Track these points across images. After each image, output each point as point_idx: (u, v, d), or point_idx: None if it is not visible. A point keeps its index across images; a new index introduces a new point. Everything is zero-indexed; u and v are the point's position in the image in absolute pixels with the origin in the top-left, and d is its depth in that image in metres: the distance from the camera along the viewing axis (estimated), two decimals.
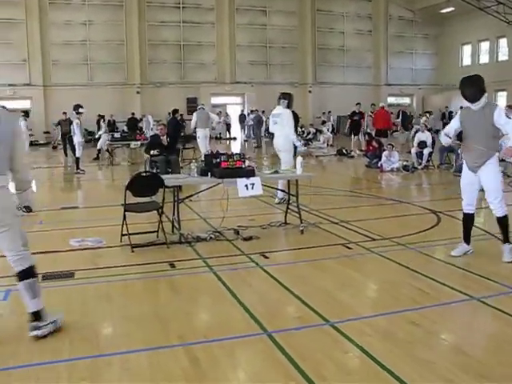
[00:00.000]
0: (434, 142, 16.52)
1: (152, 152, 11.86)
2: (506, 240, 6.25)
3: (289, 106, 10.12)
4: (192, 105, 30.68)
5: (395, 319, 4.64)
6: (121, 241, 7.21)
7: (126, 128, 25.63)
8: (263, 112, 31.33)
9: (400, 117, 28.41)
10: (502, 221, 6.23)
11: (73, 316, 4.73)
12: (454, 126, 6.41)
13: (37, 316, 4.27)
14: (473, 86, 6.04)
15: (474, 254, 6.45)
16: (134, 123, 27.53)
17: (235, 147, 28.00)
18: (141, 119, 30.67)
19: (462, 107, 6.73)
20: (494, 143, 6.15)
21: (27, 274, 4.23)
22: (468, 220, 6.46)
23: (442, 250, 7.02)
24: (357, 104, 22.44)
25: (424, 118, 26.05)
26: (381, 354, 3.94)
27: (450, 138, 6.45)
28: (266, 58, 36.82)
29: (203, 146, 17.53)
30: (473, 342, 4.21)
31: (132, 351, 4.02)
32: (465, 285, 5.42)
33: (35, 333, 4.23)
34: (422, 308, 4.87)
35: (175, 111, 18.45)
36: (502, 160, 10.19)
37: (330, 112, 33.80)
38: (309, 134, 28.26)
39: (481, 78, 6.16)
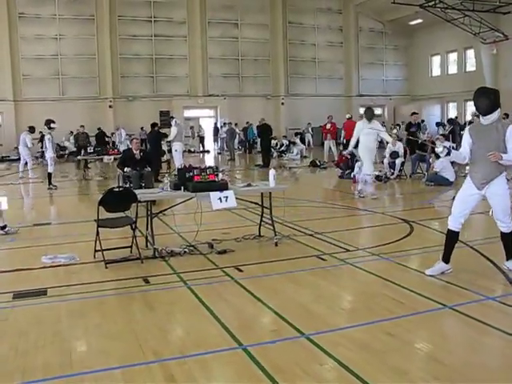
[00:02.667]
0: (405, 152, 16.74)
1: (126, 170, 11.76)
2: (510, 256, 6.06)
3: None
4: (165, 118, 30.59)
5: (370, 330, 4.67)
6: (94, 257, 7.15)
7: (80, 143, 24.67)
8: (236, 124, 31.43)
9: None
10: (509, 237, 6.00)
11: (45, 335, 4.67)
12: (465, 143, 5.98)
13: None
14: (487, 98, 5.72)
15: None
16: (102, 137, 27.11)
17: (209, 160, 27.97)
18: (113, 133, 30.57)
19: (470, 121, 6.64)
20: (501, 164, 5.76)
21: None
22: (453, 238, 6.07)
23: (415, 259, 7.11)
24: (328, 117, 22.73)
25: (395, 131, 26.43)
26: (356, 364, 3.96)
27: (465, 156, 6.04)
28: (239, 70, 36.93)
29: (179, 159, 17.52)
30: (446, 350, 4.25)
31: (106, 369, 3.98)
32: (438, 293, 5.48)
33: None
34: (396, 318, 4.91)
35: (154, 124, 18.40)
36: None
37: (309, 123, 33.90)
38: (282, 145, 28.39)
39: (496, 92, 5.87)
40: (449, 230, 6.07)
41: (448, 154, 6.09)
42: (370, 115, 12.04)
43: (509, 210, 5.93)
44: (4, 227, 9.03)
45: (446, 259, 6.07)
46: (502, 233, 6.03)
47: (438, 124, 30.38)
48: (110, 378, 3.87)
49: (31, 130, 19.25)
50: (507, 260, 6.11)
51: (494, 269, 6.30)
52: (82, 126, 25.89)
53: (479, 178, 5.85)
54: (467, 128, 6.13)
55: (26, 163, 19.29)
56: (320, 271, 6.52)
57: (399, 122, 35.61)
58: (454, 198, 6.26)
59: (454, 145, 14.79)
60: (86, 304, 5.52)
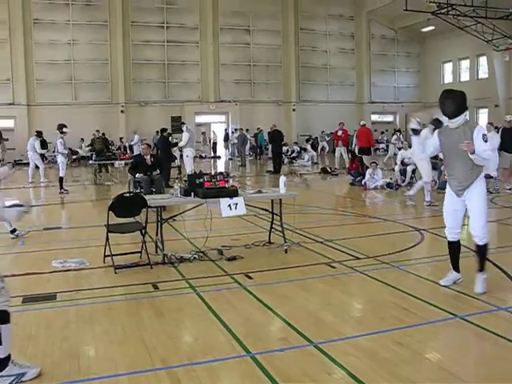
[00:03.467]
0: None
1: (137, 175, 11.81)
2: (481, 268, 5.79)
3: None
4: (176, 123, 30.69)
5: (380, 339, 4.63)
6: (104, 262, 7.16)
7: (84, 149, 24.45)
8: (247, 130, 31.46)
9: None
10: (482, 249, 5.76)
11: (54, 339, 4.68)
12: (431, 143, 5.87)
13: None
14: (454, 101, 5.58)
15: None
16: (104, 143, 25.68)
17: (219, 166, 27.99)
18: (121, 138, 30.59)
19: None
20: (475, 166, 5.58)
21: None
22: (454, 248, 5.94)
23: (425, 268, 7.04)
24: (340, 123, 22.67)
25: (395, 137, 26.33)
26: (364, 374, 3.93)
27: (423, 152, 5.98)
28: (250, 76, 37.01)
29: (190, 164, 17.58)
30: (456, 361, 4.20)
31: (113, 375, 3.98)
32: (448, 303, 5.44)
33: None
34: (406, 327, 4.87)
35: (164, 130, 18.45)
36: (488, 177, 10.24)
37: (323, 131, 33.69)
38: (293, 152, 28.39)
39: (463, 94, 5.71)
40: (448, 241, 5.97)
41: (416, 132, 5.87)
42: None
43: (484, 218, 5.66)
44: (14, 231, 9.08)
45: (456, 268, 5.99)
46: (475, 245, 5.80)
47: None
48: None
49: (39, 134, 19.34)
50: (478, 272, 5.81)
51: (506, 278, 6.25)
52: (98, 131, 25.95)
53: (456, 184, 5.71)
54: (437, 131, 5.89)
55: (37, 167, 19.35)
56: (329, 279, 6.49)
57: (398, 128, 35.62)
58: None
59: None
60: (95, 309, 5.53)
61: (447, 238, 5.96)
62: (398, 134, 28.69)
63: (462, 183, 5.65)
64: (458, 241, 5.91)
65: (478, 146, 5.42)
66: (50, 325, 5.08)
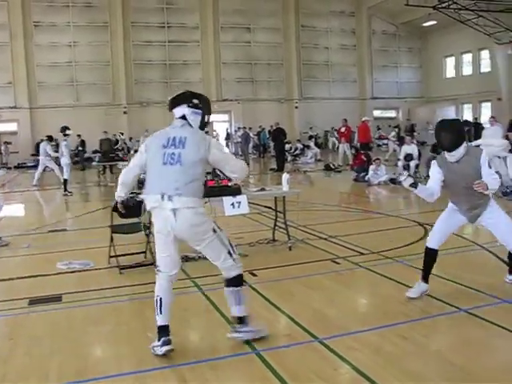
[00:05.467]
0: (420, 154, 16.66)
1: (140, 176, 11.78)
2: None
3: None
4: None
5: (384, 333, 4.64)
6: (109, 263, 7.18)
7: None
8: (250, 129, 31.45)
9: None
10: None
11: (60, 340, 4.71)
12: (435, 178, 5.37)
13: (239, 320, 4.48)
14: (450, 132, 5.08)
15: (461, 265, 6.47)
16: (108, 145, 24.92)
17: None
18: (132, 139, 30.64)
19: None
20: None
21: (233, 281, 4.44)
22: (433, 256, 5.50)
23: None
24: (342, 120, 22.70)
25: (393, 133, 26.30)
26: (370, 369, 3.94)
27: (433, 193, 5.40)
28: (252, 74, 37.01)
29: None
30: (461, 353, 4.21)
31: (119, 374, 4.01)
32: (453, 297, 5.43)
33: (233, 335, 4.47)
34: (411, 321, 4.88)
35: None
36: None
37: (332, 128, 33.37)
38: (296, 149, 28.38)
39: (460, 123, 5.39)
40: (427, 247, 5.52)
41: (415, 185, 5.33)
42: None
43: None
44: None
45: (426, 279, 5.54)
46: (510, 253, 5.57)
47: None
48: None
49: (50, 138, 19.37)
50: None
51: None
52: (105, 132, 25.85)
53: (466, 213, 5.34)
54: (435, 162, 5.41)
55: (45, 169, 19.37)
56: (334, 275, 6.51)
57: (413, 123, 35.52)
58: None
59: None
60: (101, 310, 5.55)
61: (429, 244, 5.51)
62: (397, 130, 28.60)
63: (472, 212, 5.29)
64: (437, 251, 5.49)
65: (486, 174, 5.04)
66: (56, 326, 5.11)
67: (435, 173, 5.37)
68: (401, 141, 21.08)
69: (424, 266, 5.55)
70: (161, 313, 4.32)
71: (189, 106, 4.33)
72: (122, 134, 31.00)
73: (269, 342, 4.51)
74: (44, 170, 19.18)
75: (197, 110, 4.35)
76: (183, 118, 4.35)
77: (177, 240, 4.32)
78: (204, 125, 4.44)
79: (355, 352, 4.26)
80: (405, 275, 6.26)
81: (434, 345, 4.44)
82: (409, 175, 5.59)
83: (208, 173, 7.65)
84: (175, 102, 4.41)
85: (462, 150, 5.07)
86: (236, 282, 4.44)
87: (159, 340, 4.25)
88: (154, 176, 4.27)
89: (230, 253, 4.41)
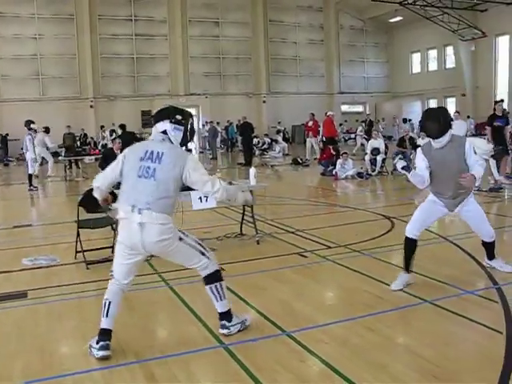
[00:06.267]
0: (387, 149, 16.85)
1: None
2: (493, 256, 5.99)
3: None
4: (146, 118, 30.47)
5: (351, 326, 4.69)
6: (75, 258, 7.11)
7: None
8: (218, 123, 31.38)
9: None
10: (493, 243, 5.88)
11: (25, 338, 4.64)
12: (423, 166, 5.47)
13: (225, 316, 4.51)
14: (436, 121, 5.27)
15: (426, 258, 6.55)
16: (72, 140, 24.52)
17: None
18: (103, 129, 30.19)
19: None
20: None
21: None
22: (412, 246, 5.61)
23: (396, 255, 7.10)
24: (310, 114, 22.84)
25: (360, 128, 26.57)
26: (337, 360, 3.99)
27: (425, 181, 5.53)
28: (220, 69, 36.90)
29: None
30: (425, 344, 4.27)
31: (86, 371, 3.96)
32: (418, 289, 5.51)
33: (223, 331, 4.49)
34: (377, 313, 4.94)
35: (123, 126, 18.35)
36: None
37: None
38: (264, 144, 28.41)
39: (446, 113, 5.48)
40: (407, 237, 5.62)
41: (407, 169, 5.48)
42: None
43: (487, 222, 5.76)
44: None
45: (408, 268, 5.67)
46: (484, 242, 5.89)
47: (404, 121, 30.89)
48: (90, 380, 3.85)
49: (47, 130, 19.44)
50: (490, 259, 6.06)
51: (474, 263, 6.36)
52: (69, 127, 25.52)
53: (447, 201, 5.52)
54: (420, 150, 5.58)
55: (41, 164, 19.23)
56: (302, 268, 6.55)
57: (380, 118, 35.90)
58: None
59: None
60: (67, 306, 5.49)
61: (408, 234, 5.61)
62: (364, 124, 28.85)
63: (454, 199, 5.47)
64: (416, 240, 5.61)
65: (473, 160, 5.29)
66: (21, 323, 5.03)
67: (420, 160, 5.52)
68: (369, 135, 21.30)
69: (404, 256, 5.67)
70: (107, 316, 4.24)
71: (171, 122, 4.27)
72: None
73: (236, 335, 4.52)
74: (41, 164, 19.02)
75: (179, 126, 4.29)
76: (164, 132, 4.28)
77: (141, 254, 4.27)
78: (186, 141, 4.38)
79: (322, 344, 4.30)
80: (371, 268, 6.33)
81: (400, 336, 4.51)
82: (404, 160, 5.63)
83: None
84: (158, 117, 4.35)
85: (447, 137, 5.29)
86: (214, 277, 4.46)
87: (98, 343, 4.16)
88: (127, 187, 4.21)
89: (202, 253, 4.42)
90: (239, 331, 4.52)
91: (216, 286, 4.46)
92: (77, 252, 7.07)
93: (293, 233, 8.45)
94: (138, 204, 4.07)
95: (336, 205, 11.46)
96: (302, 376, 3.83)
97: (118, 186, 4.43)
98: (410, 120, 31.27)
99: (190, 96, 35.50)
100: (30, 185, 15.71)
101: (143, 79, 34.86)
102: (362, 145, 24.57)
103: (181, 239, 4.29)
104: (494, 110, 12.76)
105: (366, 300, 5.33)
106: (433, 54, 38.70)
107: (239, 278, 6.23)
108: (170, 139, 4.28)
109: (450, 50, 36.37)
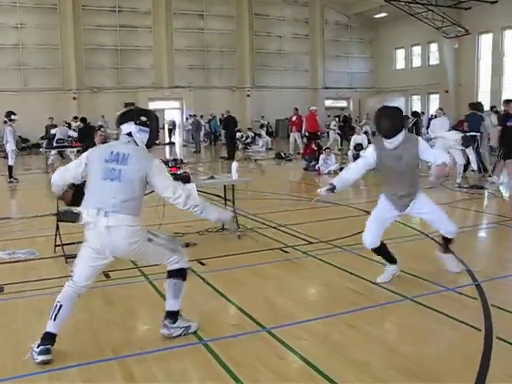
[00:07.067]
0: (369, 144, 16.89)
1: None
2: (448, 251, 5.93)
3: None
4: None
5: (332, 322, 4.68)
6: (54, 252, 7.03)
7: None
8: (202, 116, 31.23)
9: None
10: (452, 240, 5.78)
11: (1, 333, 4.57)
12: (366, 163, 5.50)
13: (170, 316, 4.38)
14: (390, 119, 5.16)
15: (408, 255, 6.57)
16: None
17: (174, 153, 27.72)
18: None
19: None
20: (418, 178, 5.55)
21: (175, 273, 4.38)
22: (381, 250, 5.65)
23: None
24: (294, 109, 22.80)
25: (333, 123, 26.64)
26: (317, 358, 3.97)
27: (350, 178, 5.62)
28: (204, 62, 36.69)
29: None
30: (406, 341, 4.28)
31: (63, 367, 3.90)
32: (399, 285, 5.52)
33: (163, 331, 4.37)
34: (358, 310, 4.94)
35: (84, 119, 18.53)
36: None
37: (336, 116, 32.52)
38: (247, 138, 28.34)
39: (399, 111, 5.38)
40: (372, 248, 5.64)
41: (332, 190, 5.46)
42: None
43: (446, 216, 5.71)
44: None
45: (392, 260, 5.70)
46: (445, 238, 5.79)
47: None
48: (66, 377, 3.79)
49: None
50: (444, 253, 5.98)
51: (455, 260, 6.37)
52: (51, 118, 25.21)
53: (398, 200, 5.46)
54: (373, 147, 5.48)
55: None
56: (283, 264, 6.52)
57: (364, 114, 35.95)
58: None
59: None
60: (44, 300, 5.37)
61: (370, 246, 5.60)
62: (337, 119, 28.78)
63: (406, 198, 5.43)
64: (381, 241, 5.60)
65: (433, 156, 5.30)
66: None
67: (369, 155, 5.45)
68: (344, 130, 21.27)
69: (382, 256, 5.70)
70: (54, 320, 4.07)
71: (136, 124, 4.19)
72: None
73: (216, 331, 4.49)
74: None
75: (144, 128, 4.20)
76: (129, 134, 4.20)
77: (107, 259, 4.19)
78: (152, 143, 4.31)
79: (302, 341, 4.28)
80: (353, 264, 6.33)
81: (379, 333, 4.50)
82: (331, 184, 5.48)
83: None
84: (122, 119, 4.26)
85: (400, 137, 5.16)
86: (179, 274, 4.38)
87: (39, 346, 3.99)
88: (92, 190, 4.13)
89: (172, 250, 4.35)
90: (179, 335, 4.36)
91: (177, 282, 4.37)
92: (56, 246, 6.98)
93: (275, 228, 8.43)
94: (103, 207, 4.01)
95: (318, 200, 11.43)
96: (282, 373, 3.80)
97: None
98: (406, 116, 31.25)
99: (174, 89, 35.29)
100: (10, 177, 15.51)
101: (127, 71, 34.57)
102: (336, 140, 24.64)
103: (150, 240, 4.23)
104: (506, 109, 12.76)
105: (347, 296, 5.33)
106: (417, 50, 38.79)
107: (219, 273, 6.21)
108: (135, 141, 4.20)
109: (434, 46, 36.46)
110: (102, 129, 12.54)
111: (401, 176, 5.30)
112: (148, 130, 4.23)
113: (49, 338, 4.03)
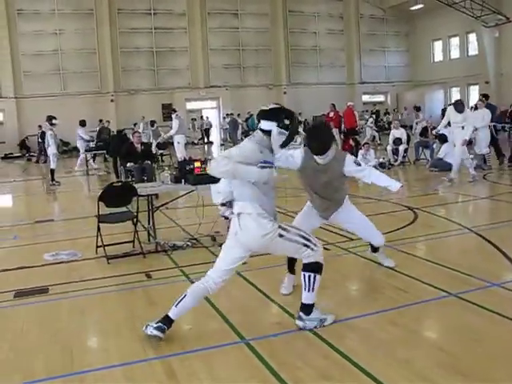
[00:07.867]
0: (409, 139, 16.65)
1: (128, 164, 11.86)
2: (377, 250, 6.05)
3: None
4: (167, 111, 30.50)
5: (374, 320, 4.61)
6: (96, 253, 7.11)
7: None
8: (238, 115, 31.30)
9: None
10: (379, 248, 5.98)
11: (47, 333, 4.64)
12: (292, 162, 5.44)
13: (305, 308, 4.49)
14: (318, 140, 5.22)
15: (451, 250, 6.44)
16: (108, 133, 24.32)
17: (212, 152, 27.86)
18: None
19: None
20: (344, 191, 5.65)
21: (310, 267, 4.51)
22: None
23: (419, 246, 7.04)
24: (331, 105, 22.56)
25: (371, 120, 26.32)
26: (360, 356, 3.91)
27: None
28: (240, 60, 36.75)
29: (181, 151, 17.51)
30: (451, 339, 4.19)
31: (107, 367, 3.94)
32: (442, 281, 5.41)
33: (298, 323, 4.50)
34: (401, 307, 4.86)
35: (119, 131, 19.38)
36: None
37: (373, 112, 32.31)
38: None
39: (327, 130, 5.58)
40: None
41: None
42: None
43: (372, 226, 5.77)
44: None
45: (292, 270, 5.57)
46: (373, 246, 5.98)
47: (418, 109, 30.05)
48: (110, 376, 3.83)
49: (82, 123, 20.89)
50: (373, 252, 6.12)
51: (500, 254, 6.22)
52: (108, 121, 25.46)
53: (321, 210, 5.56)
54: (304, 152, 5.39)
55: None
56: (324, 261, 6.43)
57: (402, 108, 35.49)
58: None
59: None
60: (88, 301, 5.48)
61: None
62: (374, 116, 28.40)
63: (328, 209, 5.55)
64: None
65: (361, 173, 5.52)
66: (43, 318, 5.04)
67: (298, 158, 5.40)
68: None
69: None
70: (176, 306, 4.36)
71: (278, 126, 4.23)
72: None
73: (258, 330, 4.47)
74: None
75: (284, 131, 4.25)
76: (267, 132, 4.25)
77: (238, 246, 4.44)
78: (284, 146, 4.36)
79: (345, 339, 4.23)
80: (394, 260, 6.21)
81: (424, 331, 4.43)
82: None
83: (194, 160, 7.60)
84: (267, 116, 4.30)
85: (330, 154, 5.23)
86: (312, 267, 4.50)
87: (157, 323, 4.31)
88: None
89: (305, 245, 4.47)
90: (315, 328, 4.44)
91: (310, 276, 4.47)
92: (97, 247, 7.07)
93: None
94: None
95: (358, 196, 11.31)
96: (325, 372, 3.76)
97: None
98: (419, 108, 30.29)
99: (210, 88, 35.47)
100: (52, 179, 15.82)
101: (163, 72, 34.89)
102: (374, 136, 24.39)
103: (281, 236, 4.34)
104: None
105: (390, 293, 5.25)
106: (455, 41, 38.04)
107: (261, 271, 6.17)
108: (264, 139, 4.25)
109: (472, 36, 35.71)
110: (137, 133, 12.92)
111: (323, 187, 5.41)
112: (287, 133, 4.28)
113: (167, 321, 4.35)
